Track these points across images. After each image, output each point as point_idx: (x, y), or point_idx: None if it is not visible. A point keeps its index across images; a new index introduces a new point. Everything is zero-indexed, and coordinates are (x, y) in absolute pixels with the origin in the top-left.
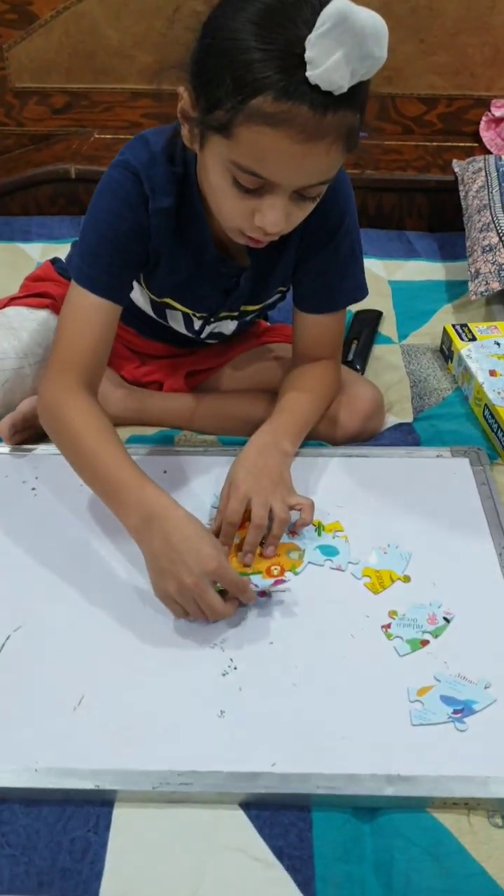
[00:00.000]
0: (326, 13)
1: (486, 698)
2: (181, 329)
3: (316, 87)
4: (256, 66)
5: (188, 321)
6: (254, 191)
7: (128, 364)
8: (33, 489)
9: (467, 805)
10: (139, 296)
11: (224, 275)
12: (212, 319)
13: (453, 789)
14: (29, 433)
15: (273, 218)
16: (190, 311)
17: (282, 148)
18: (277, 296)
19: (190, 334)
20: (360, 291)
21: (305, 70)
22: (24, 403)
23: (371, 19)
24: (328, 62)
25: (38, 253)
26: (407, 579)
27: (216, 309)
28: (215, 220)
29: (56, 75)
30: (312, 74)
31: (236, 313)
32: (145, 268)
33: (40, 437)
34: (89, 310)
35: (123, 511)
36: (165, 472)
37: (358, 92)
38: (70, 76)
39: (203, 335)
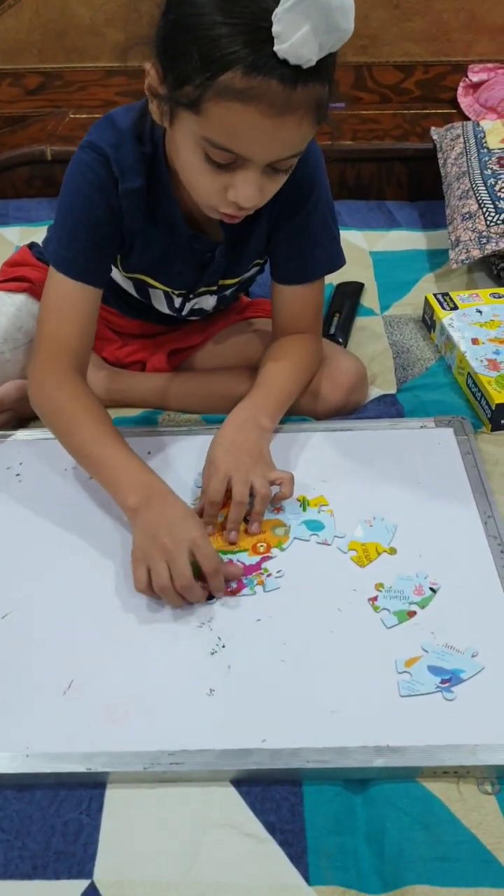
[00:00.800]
0: None
1: (474, 667)
2: (163, 308)
3: (284, 62)
4: (223, 41)
5: (168, 299)
6: (226, 166)
7: (109, 345)
8: (18, 475)
9: (457, 773)
10: (119, 276)
11: (198, 251)
12: (191, 296)
13: (443, 758)
14: (8, 416)
15: (247, 193)
16: (168, 289)
17: (253, 123)
18: (255, 269)
19: (171, 312)
20: (336, 261)
21: (273, 44)
22: (3, 387)
23: None
24: (295, 37)
25: (16, 236)
26: (393, 551)
27: (194, 285)
28: (186, 197)
29: (28, 55)
30: (280, 49)
31: (215, 288)
32: (121, 249)
33: (21, 421)
34: (71, 295)
35: (122, 492)
36: (149, 452)
37: (326, 64)
38: (42, 56)
39: (184, 312)
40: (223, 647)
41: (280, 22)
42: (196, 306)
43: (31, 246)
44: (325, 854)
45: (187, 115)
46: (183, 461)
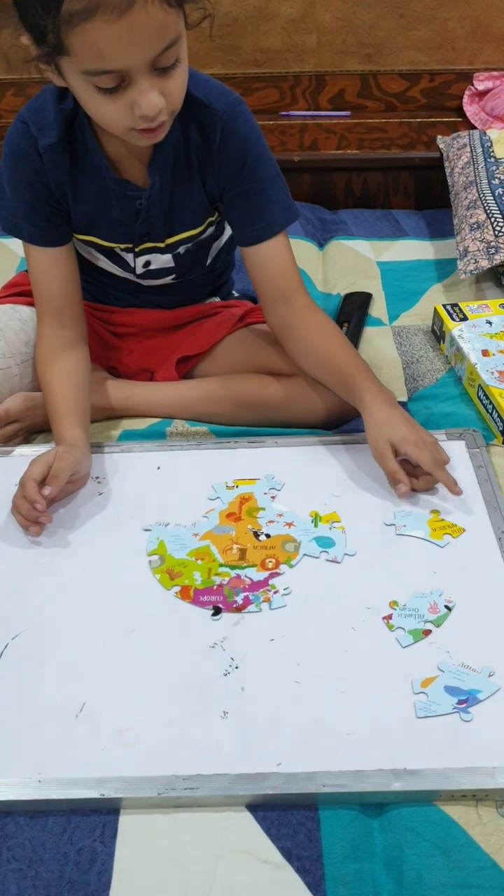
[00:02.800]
0: None
1: (491, 687)
2: (118, 272)
3: None
4: None
5: (119, 259)
6: (117, 87)
7: (116, 353)
8: None
9: (475, 797)
10: (81, 247)
11: (129, 197)
12: (136, 250)
13: (461, 781)
14: (15, 427)
15: (148, 101)
16: (112, 245)
17: (107, 34)
18: (209, 228)
19: (128, 275)
20: (291, 213)
21: None
22: (10, 399)
23: None
24: None
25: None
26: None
27: (134, 237)
28: (111, 146)
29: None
30: None
31: (162, 244)
32: (60, 206)
33: (29, 434)
34: (40, 261)
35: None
36: (159, 468)
37: None
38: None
39: (138, 271)
40: (236, 668)
41: None
42: (151, 266)
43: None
44: (343, 882)
45: (63, 61)
46: (192, 476)
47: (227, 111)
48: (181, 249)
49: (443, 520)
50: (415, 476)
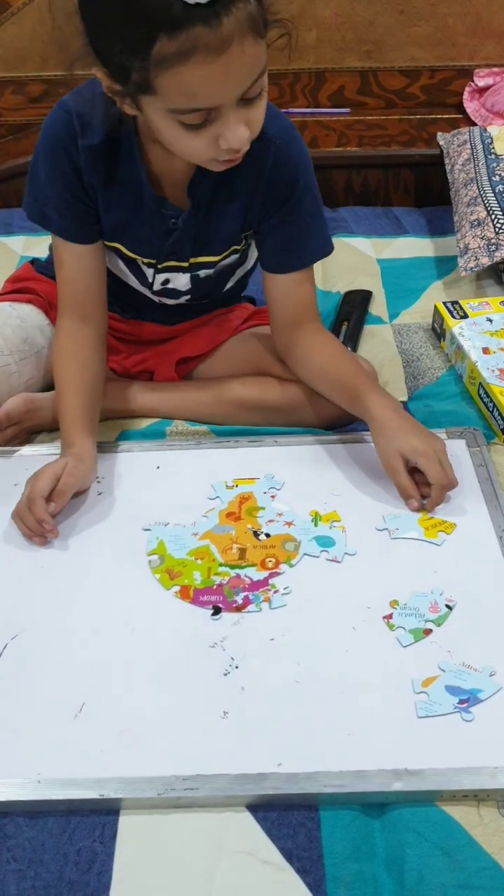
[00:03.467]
0: None
1: (492, 686)
2: (135, 284)
3: (196, 4)
4: (137, 18)
5: (139, 272)
6: (203, 123)
7: (116, 355)
8: None
9: (476, 797)
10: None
11: (163, 216)
12: (159, 266)
13: (462, 781)
14: (15, 429)
15: (235, 135)
16: (137, 257)
17: (202, 75)
18: (234, 256)
19: (144, 288)
20: (327, 247)
21: None
22: (10, 401)
23: None
24: None
25: (21, 246)
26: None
27: (160, 253)
28: (155, 161)
29: (31, 63)
30: None
31: (185, 265)
32: (92, 206)
33: (28, 435)
34: (67, 255)
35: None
36: (159, 467)
37: None
38: (45, 64)
39: (155, 287)
40: (236, 667)
41: None
42: (169, 284)
43: (34, 262)
44: (343, 882)
45: (147, 99)
46: (192, 475)
47: (281, 137)
48: (201, 273)
49: (432, 517)
50: (427, 484)
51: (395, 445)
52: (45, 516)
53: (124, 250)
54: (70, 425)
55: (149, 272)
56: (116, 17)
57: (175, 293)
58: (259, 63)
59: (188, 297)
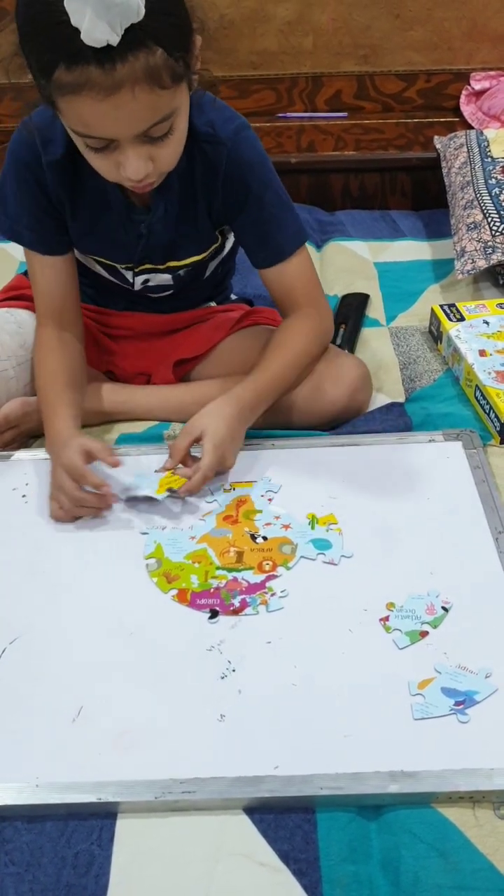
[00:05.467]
0: None
1: (488, 688)
2: (119, 280)
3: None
4: (44, 42)
5: (117, 274)
6: (104, 147)
7: (112, 357)
8: (24, 496)
9: (472, 798)
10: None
11: (133, 220)
12: (136, 270)
13: (458, 783)
14: (13, 434)
15: (133, 167)
16: (113, 263)
17: (91, 109)
18: (217, 257)
19: (126, 286)
20: (301, 235)
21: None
22: (8, 405)
23: None
24: (84, 23)
25: (20, 252)
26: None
27: (134, 258)
28: None
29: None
30: (83, 37)
31: (162, 266)
32: (61, 217)
33: (26, 440)
34: (41, 267)
35: (48, 443)
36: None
37: (146, 31)
38: None
39: (137, 287)
40: (233, 670)
41: (69, 13)
42: (150, 283)
43: (26, 273)
44: (339, 884)
45: (56, 110)
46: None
47: (231, 139)
48: (181, 271)
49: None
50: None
51: (197, 417)
52: (96, 480)
53: (101, 259)
54: (54, 414)
55: (128, 274)
56: (33, 34)
57: (158, 288)
58: (160, 109)
59: (171, 291)
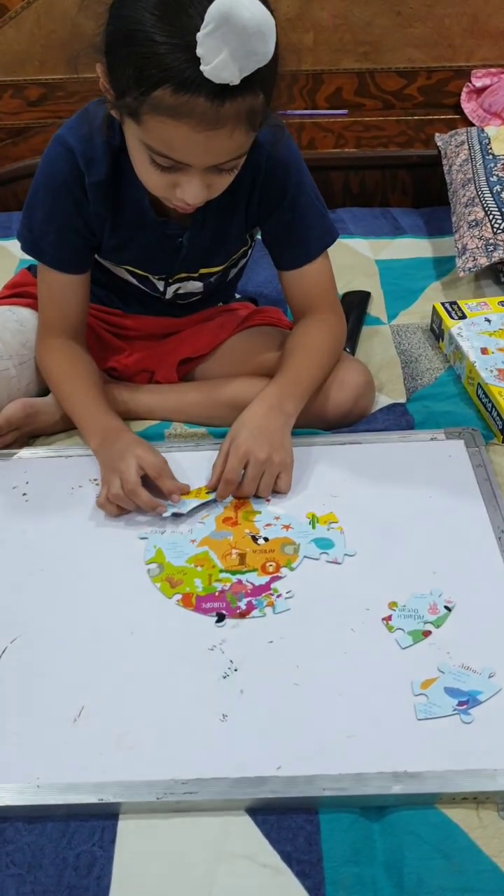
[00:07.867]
0: (210, 13)
1: (491, 688)
2: (150, 289)
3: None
4: (155, 58)
5: (151, 284)
6: (170, 168)
7: (116, 354)
8: (24, 495)
9: (476, 799)
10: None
11: (169, 235)
12: (171, 280)
13: (461, 784)
14: (15, 435)
15: (192, 192)
16: (148, 274)
17: (185, 136)
18: (244, 260)
19: (158, 295)
20: (331, 235)
21: (201, 63)
22: (10, 406)
23: (254, 19)
24: (216, 60)
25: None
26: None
27: (170, 269)
28: None
29: (30, 67)
30: (204, 70)
31: (196, 274)
32: (94, 237)
33: (28, 440)
34: (59, 284)
35: (87, 436)
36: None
37: (258, 76)
38: (44, 67)
39: (168, 296)
40: (235, 670)
41: (202, 45)
42: (181, 290)
43: (30, 268)
44: (342, 885)
45: (130, 122)
46: (191, 477)
47: (270, 141)
48: (212, 278)
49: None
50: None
51: (235, 429)
52: (148, 501)
53: (135, 270)
54: (94, 414)
55: (160, 284)
56: (140, 42)
57: (188, 295)
58: (240, 149)
59: (200, 297)
